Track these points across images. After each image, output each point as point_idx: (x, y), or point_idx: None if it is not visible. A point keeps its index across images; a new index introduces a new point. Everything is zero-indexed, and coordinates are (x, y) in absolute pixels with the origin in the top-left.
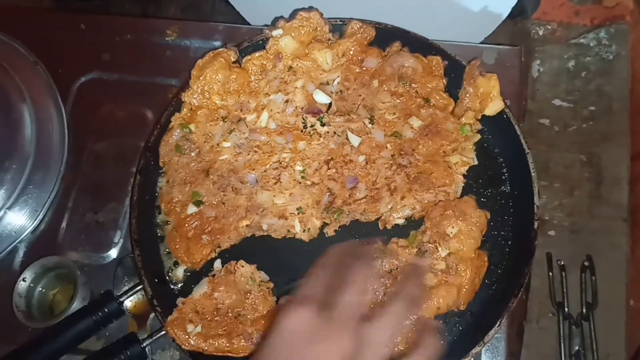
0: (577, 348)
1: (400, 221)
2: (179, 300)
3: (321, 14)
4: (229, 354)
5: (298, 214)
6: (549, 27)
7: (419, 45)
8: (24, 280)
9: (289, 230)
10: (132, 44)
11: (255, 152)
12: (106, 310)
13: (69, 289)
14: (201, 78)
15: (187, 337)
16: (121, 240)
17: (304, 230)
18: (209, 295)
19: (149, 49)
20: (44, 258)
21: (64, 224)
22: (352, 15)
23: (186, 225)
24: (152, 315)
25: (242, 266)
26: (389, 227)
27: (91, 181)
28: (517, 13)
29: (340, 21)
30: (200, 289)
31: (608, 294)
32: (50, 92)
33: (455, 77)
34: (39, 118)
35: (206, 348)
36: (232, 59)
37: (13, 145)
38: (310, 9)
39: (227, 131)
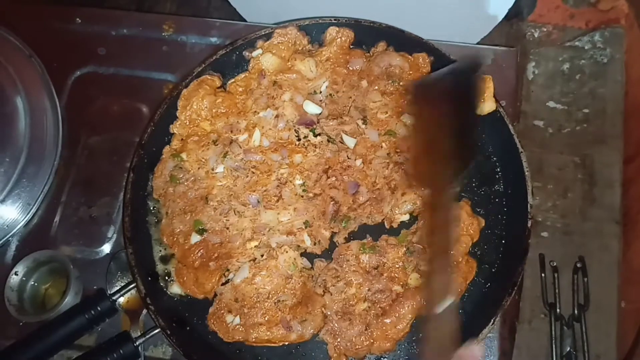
0: (568, 349)
1: (405, 217)
2: (218, 289)
3: (298, 28)
4: (268, 344)
5: (305, 227)
6: (545, 30)
7: (414, 45)
8: (16, 274)
9: (299, 246)
10: (128, 38)
11: (253, 173)
12: (99, 308)
13: (62, 284)
14: (188, 107)
15: (227, 328)
16: (115, 235)
17: (314, 244)
18: (250, 281)
19: (145, 44)
20: (36, 252)
21: (57, 218)
22: (348, 14)
23: (192, 255)
24: (144, 311)
25: (286, 251)
26: (395, 225)
27: (85, 175)
28: (513, 15)
29: (335, 19)
30: (242, 274)
31: (600, 296)
32: (45, 85)
33: None
34: (33, 111)
35: (247, 338)
36: (217, 85)
37: (6, 138)
38: (287, 25)
39: (220, 155)
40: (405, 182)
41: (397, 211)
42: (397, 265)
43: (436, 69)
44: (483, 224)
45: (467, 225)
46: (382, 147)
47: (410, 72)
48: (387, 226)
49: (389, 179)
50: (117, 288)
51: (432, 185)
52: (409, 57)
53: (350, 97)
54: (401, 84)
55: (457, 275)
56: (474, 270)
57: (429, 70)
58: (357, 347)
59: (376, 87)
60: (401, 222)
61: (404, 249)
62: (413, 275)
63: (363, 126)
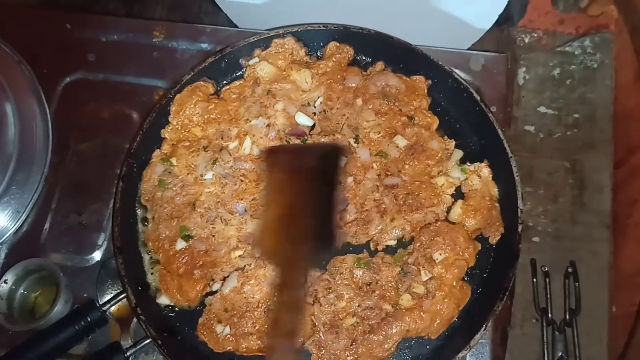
0: (560, 354)
1: (392, 242)
2: (207, 299)
3: (296, 39)
4: (259, 353)
5: None
6: (535, 35)
7: (403, 51)
8: (5, 282)
9: None
10: (118, 44)
11: (242, 181)
12: (89, 319)
13: (51, 292)
14: (180, 113)
15: (217, 339)
16: (105, 243)
17: None
18: (239, 290)
19: (136, 50)
20: (26, 260)
21: (46, 226)
22: (338, 21)
23: (176, 262)
24: (135, 320)
25: None
26: (380, 248)
27: (75, 182)
28: (503, 20)
29: (324, 26)
30: (230, 284)
31: (591, 300)
32: (35, 91)
33: (439, 82)
34: (23, 118)
35: (237, 348)
36: (210, 92)
37: None
38: (284, 35)
39: (210, 161)
40: (395, 207)
41: (385, 236)
42: (390, 284)
43: (433, 79)
44: (479, 248)
45: (463, 250)
46: (372, 167)
47: (407, 94)
48: (372, 248)
49: (379, 202)
50: (108, 297)
51: (282, 263)
52: (407, 79)
53: (344, 115)
54: (396, 104)
55: (450, 302)
56: (468, 296)
57: (426, 93)
58: None
59: (370, 106)
60: (387, 246)
61: (399, 269)
62: (405, 296)
63: (355, 145)
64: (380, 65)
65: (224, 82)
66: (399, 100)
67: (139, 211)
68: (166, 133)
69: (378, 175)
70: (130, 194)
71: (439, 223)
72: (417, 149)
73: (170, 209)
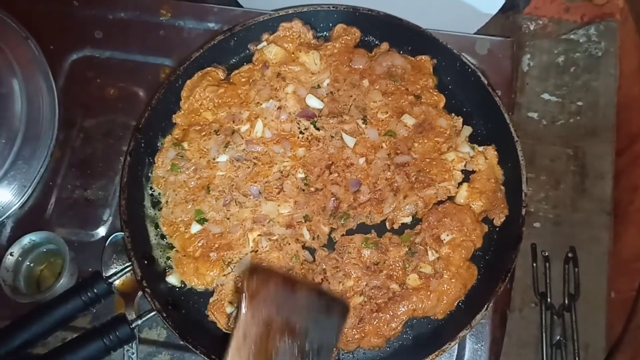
0: (558, 338)
1: (407, 219)
2: (219, 280)
3: (303, 22)
4: None
5: (305, 221)
6: (540, 22)
7: (411, 34)
8: (11, 254)
9: (297, 239)
10: (126, 22)
11: (255, 164)
12: (95, 290)
13: (57, 265)
14: (190, 97)
15: (227, 319)
16: (110, 218)
17: (313, 238)
18: None
19: (142, 28)
20: (32, 233)
21: (52, 200)
22: (347, 2)
23: (192, 245)
24: (139, 294)
25: (289, 243)
26: (396, 227)
27: (81, 158)
28: (509, 7)
29: (333, 7)
30: (244, 266)
31: (589, 286)
32: (41, 67)
33: (446, 65)
34: (29, 93)
35: None
36: (221, 77)
37: (2, 119)
38: (292, 17)
39: (222, 144)
40: (408, 185)
41: (399, 213)
42: (397, 264)
43: (441, 62)
44: (486, 230)
45: (470, 231)
46: (382, 147)
47: (413, 73)
48: (388, 227)
49: (391, 180)
50: (113, 271)
51: None
52: (412, 58)
53: (351, 96)
54: (402, 83)
55: (457, 282)
56: (475, 277)
57: (431, 72)
58: (347, 339)
59: (377, 87)
60: (402, 223)
61: (406, 249)
62: (412, 276)
63: (363, 125)
64: (385, 45)
65: (233, 60)
66: (405, 80)
67: (146, 186)
68: (177, 118)
69: (388, 154)
70: (137, 169)
71: (447, 204)
72: (426, 127)
73: (184, 192)
